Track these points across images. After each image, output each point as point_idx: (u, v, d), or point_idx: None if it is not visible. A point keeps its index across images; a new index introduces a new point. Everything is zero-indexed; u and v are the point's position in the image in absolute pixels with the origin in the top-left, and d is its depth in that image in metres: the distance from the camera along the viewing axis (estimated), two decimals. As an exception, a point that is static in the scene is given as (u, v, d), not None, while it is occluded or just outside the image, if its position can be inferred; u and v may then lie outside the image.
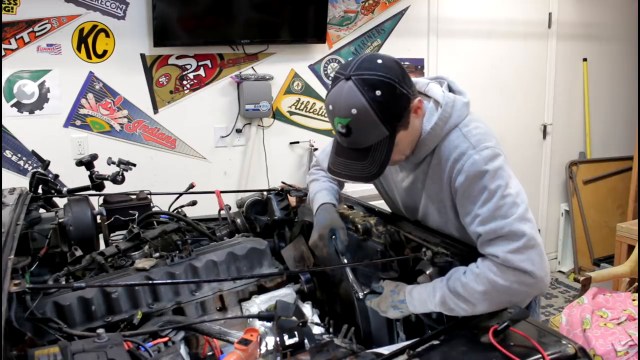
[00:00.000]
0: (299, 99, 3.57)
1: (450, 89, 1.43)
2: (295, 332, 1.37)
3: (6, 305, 1.15)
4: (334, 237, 1.51)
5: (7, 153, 2.94)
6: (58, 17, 2.92)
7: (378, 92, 1.24)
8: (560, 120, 4.43)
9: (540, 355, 1.10)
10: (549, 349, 1.13)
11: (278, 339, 1.36)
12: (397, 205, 1.66)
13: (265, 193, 2.18)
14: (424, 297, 1.35)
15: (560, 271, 4.60)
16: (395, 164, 1.45)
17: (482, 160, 1.29)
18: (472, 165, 1.30)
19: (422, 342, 1.18)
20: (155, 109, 3.21)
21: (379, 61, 1.27)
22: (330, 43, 3.57)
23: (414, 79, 1.39)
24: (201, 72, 3.27)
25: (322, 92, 3.62)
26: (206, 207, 2.24)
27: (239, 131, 3.40)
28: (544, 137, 4.41)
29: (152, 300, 1.59)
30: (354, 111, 1.24)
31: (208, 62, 3.28)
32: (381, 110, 1.25)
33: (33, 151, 2.55)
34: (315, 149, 3.57)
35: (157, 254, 1.76)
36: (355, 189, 3.24)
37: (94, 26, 2.99)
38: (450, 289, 1.30)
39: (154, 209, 2.08)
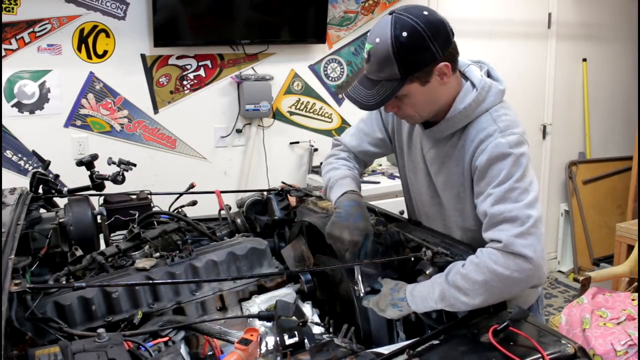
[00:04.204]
0: (299, 99, 3.57)
1: (489, 75, 1.46)
2: (295, 332, 1.37)
3: (7, 305, 1.16)
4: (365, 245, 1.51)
5: (8, 153, 2.94)
6: (58, 18, 2.92)
7: (404, 34, 1.28)
8: (560, 120, 4.43)
9: (539, 355, 1.11)
10: (549, 348, 1.13)
11: (278, 338, 1.36)
12: (414, 189, 1.64)
13: (265, 193, 2.18)
14: (424, 294, 1.35)
15: (560, 271, 4.60)
16: (409, 120, 1.48)
17: (507, 143, 1.32)
18: (496, 147, 1.33)
19: (422, 342, 1.19)
20: (156, 109, 3.21)
21: (425, 12, 1.32)
22: (330, 43, 3.57)
23: None
24: (201, 72, 3.27)
25: (322, 92, 3.62)
26: (206, 207, 2.25)
27: (239, 131, 3.40)
28: (544, 137, 4.42)
29: (152, 300, 1.59)
30: (377, 40, 1.31)
31: (208, 62, 3.28)
32: (399, 51, 1.29)
33: (33, 151, 2.55)
34: (316, 149, 3.57)
35: (158, 254, 1.75)
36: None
37: (95, 26, 2.99)
38: (449, 283, 1.30)
39: (154, 209, 2.08)
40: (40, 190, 2.09)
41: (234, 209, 2.20)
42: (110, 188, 2.10)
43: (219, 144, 3.40)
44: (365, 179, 3.44)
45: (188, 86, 3.26)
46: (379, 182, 3.37)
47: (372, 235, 1.53)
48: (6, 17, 2.81)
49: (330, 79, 3.63)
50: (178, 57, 3.20)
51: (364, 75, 1.39)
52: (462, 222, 1.50)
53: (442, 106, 1.42)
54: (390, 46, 1.29)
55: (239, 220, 2.10)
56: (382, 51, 1.30)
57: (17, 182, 2.77)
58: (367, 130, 1.70)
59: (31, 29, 2.88)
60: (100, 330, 1.18)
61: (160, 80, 3.19)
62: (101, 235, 1.95)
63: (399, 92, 1.35)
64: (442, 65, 1.34)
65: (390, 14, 1.32)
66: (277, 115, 3.51)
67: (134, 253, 1.82)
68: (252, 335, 1.30)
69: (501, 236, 1.27)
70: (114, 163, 2.07)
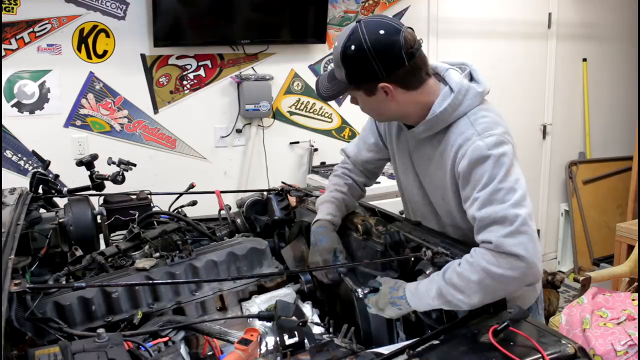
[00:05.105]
0: (299, 99, 3.57)
1: (472, 77, 1.46)
2: (295, 332, 1.37)
3: (6, 305, 1.16)
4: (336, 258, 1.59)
5: (8, 153, 2.94)
6: (58, 18, 2.92)
7: (352, 47, 1.35)
8: (560, 120, 4.43)
9: (540, 355, 1.11)
10: (549, 348, 1.13)
11: (278, 339, 1.36)
12: (407, 190, 1.66)
13: (265, 193, 2.18)
14: (421, 292, 1.35)
15: (560, 271, 4.56)
16: (378, 120, 1.62)
17: (486, 146, 1.32)
18: (475, 150, 1.33)
19: (422, 342, 1.19)
20: (156, 109, 3.21)
21: (381, 32, 1.34)
22: (330, 43, 3.56)
23: (434, 62, 1.46)
24: (201, 72, 3.27)
25: (322, 92, 3.62)
26: (206, 207, 2.25)
27: (239, 131, 3.40)
28: (544, 137, 4.42)
29: (152, 300, 1.59)
30: (335, 43, 1.41)
31: (208, 62, 3.28)
32: (344, 61, 1.38)
33: (33, 151, 2.55)
34: (316, 149, 3.57)
35: (157, 254, 1.75)
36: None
37: (94, 26, 2.99)
38: (446, 281, 1.30)
39: (154, 209, 2.07)
40: (40, 190, 2.09)
41: (234, 209, 2.20)
42: (110, 188, 2.10)
43: (219, 144, 3.39)
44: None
45: (188, 86, 3.26)
46: (379, 182, 3.33)
47: (342, 251, 1.62)
48: (6, 17, 2.81)
49: (330, 79, 3.62)
50: (178, 57, 3.20)
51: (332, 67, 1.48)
52: (451, 221, 1.52)
53: (417, 112, 1.44)
54: (339, 54, 1.37)
55: (239, 220, 2.10)
56: (336, 54, 1.40)
57: (17, 182, 2.77)
58: (364, 137, 1.76)
59: (31, 29, 2.88)
60: (100, 330, 1.18)
61: (160, 80, 3.19)
62: (101, 235, 1.95)
63: (348, 93, 1.45)
64: (383, 84, 1.37)
65: (358, 22, 1.38)
66: (277, 115, 3.51)
67: (134, 253, 1.82)
68: (252, 335, 1.30)
69: (491, 237, 1.27)
70: (114, 163, 2.07)
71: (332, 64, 1.50)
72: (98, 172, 2.07)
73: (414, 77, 1.39)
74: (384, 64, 1.34)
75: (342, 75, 1.40)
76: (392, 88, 1.37)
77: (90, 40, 2.99)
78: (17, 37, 2.86)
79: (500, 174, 1.30)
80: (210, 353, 1.47)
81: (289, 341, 1.36)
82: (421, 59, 1.38)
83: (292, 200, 2.10)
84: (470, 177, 1.34)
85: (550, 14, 4.20)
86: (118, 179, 2.06)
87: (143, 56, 3.12)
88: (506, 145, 1.34)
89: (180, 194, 2.20)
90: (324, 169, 3.51)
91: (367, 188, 1.85)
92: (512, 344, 1.15)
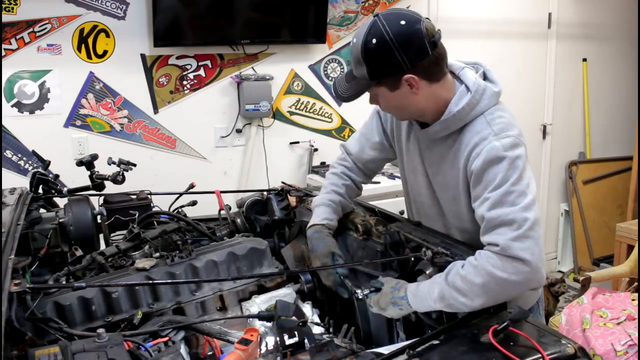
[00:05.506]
0: (299, 99, 3.57)
1: (485, 77, 1.46)
2: (295, 332, 1.37)
3: (6, 305, 1.16)
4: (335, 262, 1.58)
5: (8, 153, 2.94)
6: (58, 18, 2.92)
7: (374, 41, 1.32)
8: (560, 120, 4.44)
9: (540, 355, 1.11)
10: (549, 348, 1.13)
11: (278, 339, 1.36)
12: (414, 190, 1.65)
13: (265, 193, 2.18)
14: (423, 294, 1.35)
15: (560, 271, 4.60)
16: (395, 116, 1.56)
17: (502, 146, 1.33)
18: (491, 150, 1.33)
19: (422, 342, 1.19)
20: (156, 109, 3.21)
21: (402, 22, 1.33)
22: (330, 43, 3.57)
23: (449, 60, 1.43)
24: (201, 72, 3.27)
25: (322, 92, 3.62)
26: (206, 207, 2.25)
27: (239, 131, 3.40)
28: (544, 137, 4.42)
29: (152, 300, 1.59)
30: (354, 40, 1.37)
31: (208, 62, 3.28)
32: (367, 56, 1.34)
33: (33, 151, 2.55)
34: (316, 149, 3.57)
35: (157, 254, 1.75)
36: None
37: (94, 26, 2.99)
38: (449, 283, 1.30)
39: (154, 209, 2.07)
40: (40, 190, 2.09)
41: (234, 209, 2.20)
42: (110, 188, 2.10)
43: (219, 144, 3.39)
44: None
45: (188, 86, 3.26)
46: (379, 182, 3.36)
47: (340, 255, 1.59)
48: (6, 17, 2.81)
49: (330, 79, 3.62)
50: (178, 57, 3.20)
51: (349, 69, 1.44)
52: (459, 223, 1.51)
53: (435, 109, 1.42)
54: (360, 49, 1.34)
55: (239, 220, 2.10)
56: (355, 52, 1.36)
57: (17, 182, 2.77)
58: (367, 135, 1.73)
59: (31, 29, 2.88)
60: (100, 330, 1.18)
61: (160, 80, 3.19)
62: (101, 235, 1.95)
63: (371, 91, 1.41)
64: (408, 76, 1.35)
65: (375, 16, 1.35)
66: (277, 115, 3.51)
67: (134, 253, 1.82)
68: (252, 335, 1.30)
69: (498, 240, 1.27)
70: (114, 163, 2.07)
71: (343, 67, 1.48)
72: (98, 172, 2.07)
73: (437, 67, 1.38)
74: (408, 55, 1.32)
75: (364, 73, 1.36)
76: (417, 79, 1.35)
77: (90, 40, 2.99)
78: (17, 37, 2.86)
79: (513, 177, 1.30)
80: (210, 353, 1.46)
81: (289, 341, 1.36)
82: (443, 49, 1.37)
83: (292, 200, 2.10)
84: (483, 177, 1.33)
85: (550, 14, 4.20)
86: (118, 179, 2.06)
87: (143, 56, 3.13)
88: (521, 148, 1.35)
89: (180, 194, 2.20)
90: (324, 169, 3.51)
91: (365, 187, 1.84)
92: (512, 344, 1.15)
